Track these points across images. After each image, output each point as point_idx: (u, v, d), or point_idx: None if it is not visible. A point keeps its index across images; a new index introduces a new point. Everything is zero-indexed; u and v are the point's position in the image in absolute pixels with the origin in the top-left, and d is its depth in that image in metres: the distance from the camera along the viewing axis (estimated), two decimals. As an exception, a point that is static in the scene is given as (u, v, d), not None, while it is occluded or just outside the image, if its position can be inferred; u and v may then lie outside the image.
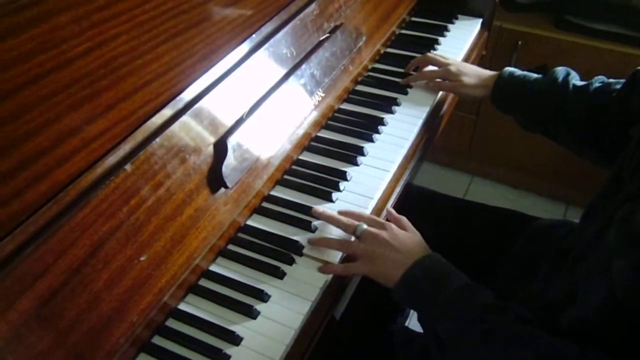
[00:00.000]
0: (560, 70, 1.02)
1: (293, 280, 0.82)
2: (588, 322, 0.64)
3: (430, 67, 1.21)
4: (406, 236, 0.83)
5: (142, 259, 0.70)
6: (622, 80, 0.92)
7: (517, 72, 1.08)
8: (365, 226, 0.84)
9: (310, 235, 0.89)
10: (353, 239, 0.86)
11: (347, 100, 1.17)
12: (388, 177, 1.00)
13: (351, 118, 1.12)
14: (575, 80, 1.01)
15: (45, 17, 0.65)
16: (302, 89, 1.00)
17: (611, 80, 0.97)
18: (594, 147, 0.98)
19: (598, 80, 0.98)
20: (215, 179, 0.81)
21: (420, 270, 0.77)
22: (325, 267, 0.84)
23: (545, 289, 0.79)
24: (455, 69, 1.15)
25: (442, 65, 1.17)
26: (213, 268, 0.84)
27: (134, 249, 0.70)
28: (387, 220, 0.88)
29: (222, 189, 0.83)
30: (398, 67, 1.27)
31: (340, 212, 0.89)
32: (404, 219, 0.88)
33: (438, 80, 1.18)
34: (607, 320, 0.62)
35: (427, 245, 0.83)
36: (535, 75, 1.06)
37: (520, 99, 1.06)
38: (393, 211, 0.92)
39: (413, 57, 1.29)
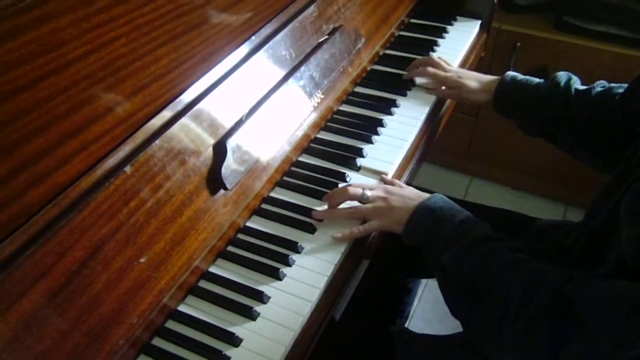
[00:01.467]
0: (562, 75, 1.03)
1: (293, 281, 0.82)
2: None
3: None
4: (404, 189, 0.92)
5: (141, 260, 0.71)
6: (624, 85, 0.93)
7: (519, 76, 1.09)
8: (368, 192, 0.90)
9: (309, 237, 0.89)
10: None
11: (346, 102, 1.18)
12: (387, 178, 1.00)
13: (350, 120, 1.12)
14: (577, 84, 1.01)
15: (45, 19, 0.65)
16: (301, 90, 1.00)
17: (613, 84, 0.97)
18: (595, 151, 0.99)
19: (599, 85, 0.98)
20: (214, 181, 0.81)
21: (424, 210, 0.84)
22: (343, 234, 0.88)
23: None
24: (456, 75, 1.15)
25: (444, 70, 1.18)
26: (213, 269, 0.84)
27: (134, 251, 0.70)
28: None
29: (222, 191, 0.83)
30: (397, 68, 1.27)
31: (338, 190, 0.93)
32: (396, 180, 0.97)
33: (442, 88, 1.19)
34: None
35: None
36: (536, 80, 1.06)
37: (521, 103, 1.06)
38: (385, 177, 0.99)
39: (412, 59, 1.29)
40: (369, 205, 0.89)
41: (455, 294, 0.80)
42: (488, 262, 0.75)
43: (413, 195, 0.89)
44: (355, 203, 0.91)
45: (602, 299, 0.62)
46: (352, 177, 0.99)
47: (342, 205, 0.92)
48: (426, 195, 0.89)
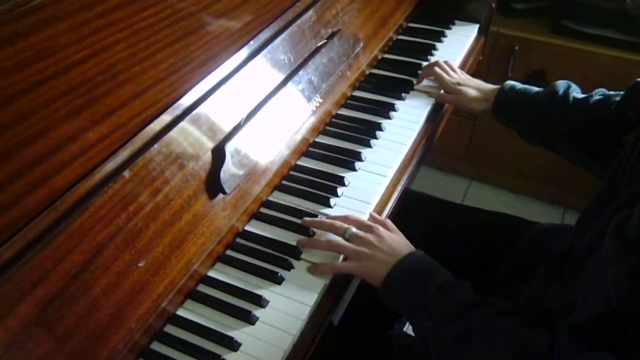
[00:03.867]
0: (561, 84, 1.03)
1: (291, 285, 0.82)
2: (587, 330, 0.64)
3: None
4: (392, 237, 0.85)
5: (140, 264, 0.71)
6: (622, 93, 0.93)
7: (518, 85, 1.09)
8: (354, 229, 0.86)
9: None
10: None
11: (345, 106, 1.18)
12: (386, 182, 1.01)
13: (349, 123, 1.12)
14: (576, 93, 1.01)
15: (44, 24, 0.65)
16: (299, 94, 1.00)
17: (611, 92, 0.98)
18: (595, 159, 0.99)
19: (598, 93, 0.98)
20: (213, 185, 0.81)
21: (399, 273, 0.80)
22: (314, 266, 0.84)
23: (543, 294, 0.80)
24: (457, 82, 1.16)
25: (448, 74, 1.19)
26: (211, 274, 0.84)
27: (133, 255, 0.70)
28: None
29: (221, 195, 0.83)
30: (395, 72, 1.27)
31: (329, 218, 0.90)
32: (388, 221, 0.90)
33: (441, 92, 1.19)
34: (606, 327, 0.63)
35: (411, 245, 0.86)
36: (535, 89, 1.07)
37: (521, 112, 1.06)
38: (376, 215, 0.93)
39: (410, 63, 1.30)
40: (351, 246, 0.84)
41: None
42: (469, 336, 0.70)
43: (398, 248, 0.83)
44: None
45: None
46: (351, 179, 1.00)
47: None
48: (407, 246, 0.84)
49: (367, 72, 1.27)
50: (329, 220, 0.88)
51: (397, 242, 0.85)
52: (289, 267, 0.84)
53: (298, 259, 0.86)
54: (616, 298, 0.59)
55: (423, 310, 0.76)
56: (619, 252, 0.60)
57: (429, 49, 1.35)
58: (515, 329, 0.69)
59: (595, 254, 0.68)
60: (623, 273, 0.59)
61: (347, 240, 0.86)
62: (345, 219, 0.88)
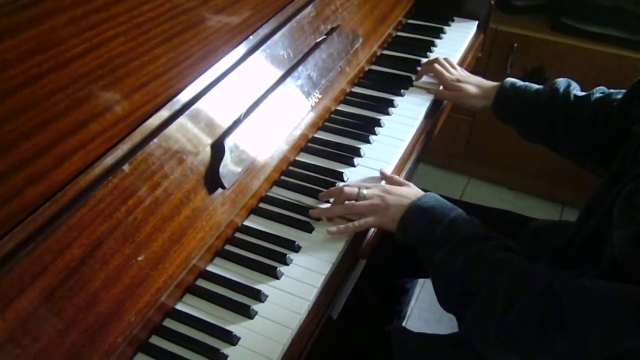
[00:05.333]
0: (562, 82, 1.03)
1: (290, 280, 0.83)
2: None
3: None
4: (401, 188, 0.92)
5: (140, 259, 0.71)
6: (623, 91, 0.93)
7: (519, 83, 1.09)
8: (365, 191, 0.91)
9: (307, 236, 0.89)
10: None
11: (344, 102, 1.18)
12: (387, 174, 1.01)
13: (348, 119, 1.13)
14: (577, 91, 1.02)
15: (44, 18, 0.65)
16: (299, 90, 1.00)
17: (612, 90, 0.98)
18: (595, 157, 0.99)
19: (599, 91, 0.99)
20: (212, 180, 0.82)
21: (415, 210, 0.85)
22: (338, 229, 0.88)
23: None
24: (456, 79, 1.16)
25: (448, 71, 1.19)
26: (211, 268, 0.84)
27: (132, 249, 0.70)
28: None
29: (220, 190, 0.83)
30: (395, 69, 1.27)
31: (336, 189, 0.93)
32: (395, 176, 0.98)
33: (440, 89, 1.20)
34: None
35: (422, 191, 0.92)
36: (536, 87, 1.07)
37: (521, 110, 1.07)
38: (385, 172, 0.99)
39: (409, 60, 1.30)
40: (365, 203, 0.89)
41: (446, 293, 0.81)
42: (476, 262, 0.76)
43: (409, 193, 0.89)
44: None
45: (592, 297, 0.63)
46: (350, 175, 1.00)
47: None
48: (421, 193, 0.89)
49: (366, 69, 1.27)
50: (340, 190, 0.92)
51: (408, 190, 0.91)
52: (288, 262, 0.85)
53: (297, 254, 0.86)
54: (622, 258, 0.62)
55: (435, 243, 0.81)
56: (627, 217, 0.63)
57: (429, 46, 1.35)
58: (518, 260, 0.74)
59: (604, 236, 0.69)
60: (630, 235, 0.62)
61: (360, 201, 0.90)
62: (358, 185, 0.93)
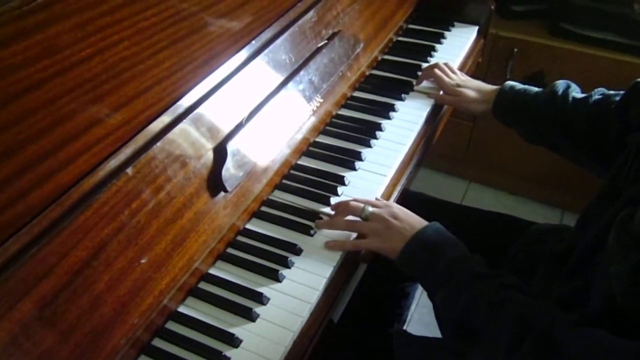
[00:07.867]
0: (561, 84, 1.04)
1: (292, 283, 0.83)
2: (592, 322, 0.65)
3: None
4: (406, 213, 0.89)
5: (142, 261, 0.71)
6: (622, 92, 0.93)
7: (518, 85, 1.10)
8: (370, 208, 0.89)
9: (308, 239, 0.89)
10: None
11: (345, 106, 1.19)
12: (385, 182, 1.01)
13: (349, 124, 1.13)
14: (576, 92, 1.02)
15: (50, 23, 0.66)
16: (300, 94, 1.01)
17: (611, 92, 0.98)
18: (595, 159, 0.99)
19: (598, 93, 0.99)
20: (215, 183, 0.82)
21: (417, 243, 0.83)
22: (335, 242, 0.88)
23: (543, 294, 0.80)
24: (456, 84, 1.17)
25: (447, 76, 1.20)
26: (212, 271, 0.85)
27: (135, 252, 0.70)
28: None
29: (222, 193, 0.84)
30: (395, 74, 1.28)
31: (342, 202, 0.92)
32: (394, 204, 0.93)
33: (441, 93, 1.20)
34: (609, 320, 0.63)
35: (424, 220, 0.89)
36: (535, 89, 1.07)
37: (521, 112, 1.07)
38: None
39: (410, 64, 1.30)
40: (369, 224, 0.88)
41: (450, 330, 0.81)
42: (478, 302, 0.74)
43: (413, 222, 0.87)
44: None
45: (592, 349, 0.61)
46: (351, 178, 1.00)
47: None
48: (424, 223, 0.87)
49: (367, 73, 1.28)
50: (345, 205, 0.92)
51: (411, 217, 0.89)
52: (289, 265, 0.85)
53: (299, 257, 0.87)
54: (620, 294, 0.60)
55: (436, 281, 0.80)
56: (623, 248, 0.61)
57: (429, 51, 1.36)
58: (521, 299, 0.72)
59: (599, 251, 0.68)
60: (626, 270, 0.60)
61: (364, 219, 0.89)
62: (364, 201, 0.92)
